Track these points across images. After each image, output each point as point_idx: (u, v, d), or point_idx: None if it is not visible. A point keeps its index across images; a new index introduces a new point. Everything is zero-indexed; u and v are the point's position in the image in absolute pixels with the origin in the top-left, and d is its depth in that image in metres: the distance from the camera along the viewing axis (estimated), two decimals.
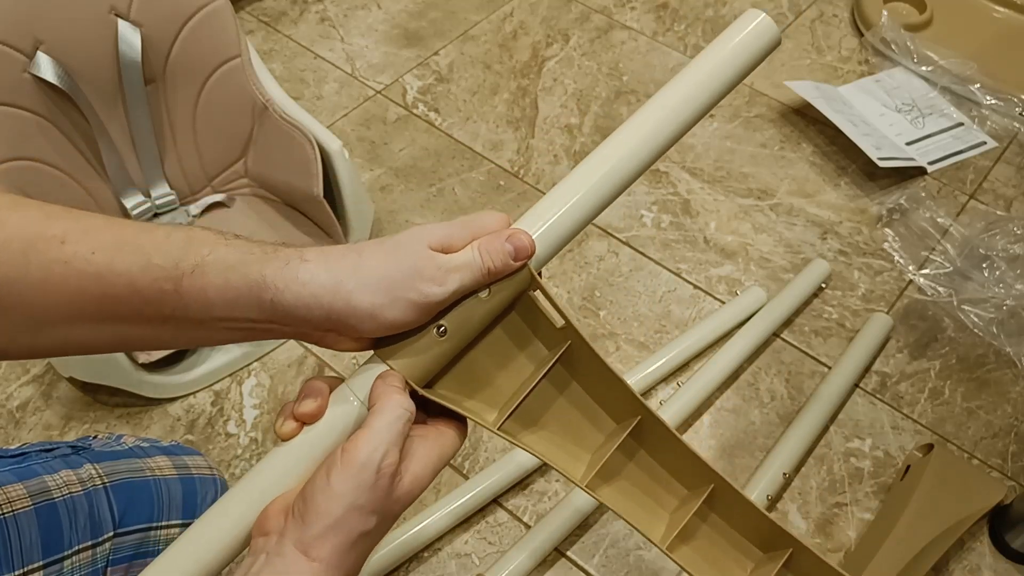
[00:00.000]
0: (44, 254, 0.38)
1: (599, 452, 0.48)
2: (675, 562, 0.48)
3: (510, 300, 0.45)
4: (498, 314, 0.45)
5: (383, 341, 0.43)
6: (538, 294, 0.45)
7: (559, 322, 0.46)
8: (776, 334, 1.03)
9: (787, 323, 1.04)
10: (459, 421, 0.45)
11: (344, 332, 0.42)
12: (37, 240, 0.38)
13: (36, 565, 0.63)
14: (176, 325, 0.41)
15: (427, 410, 0.43)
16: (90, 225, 0.39)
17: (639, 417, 0.48)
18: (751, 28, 0.49)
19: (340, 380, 0.44)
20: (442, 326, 0.43)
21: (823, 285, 1.07)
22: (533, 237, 0.45)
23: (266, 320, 0.41)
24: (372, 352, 0.44)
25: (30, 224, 0.38)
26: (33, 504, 0.66)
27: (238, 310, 0.40)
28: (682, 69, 0.49)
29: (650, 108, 0.47)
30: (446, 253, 0.43)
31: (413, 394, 0.43)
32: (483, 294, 0.43)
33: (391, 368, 0.43)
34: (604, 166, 0.46)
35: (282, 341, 1.00)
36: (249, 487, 0.42)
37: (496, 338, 0.46)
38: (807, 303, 1.06)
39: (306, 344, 1.01)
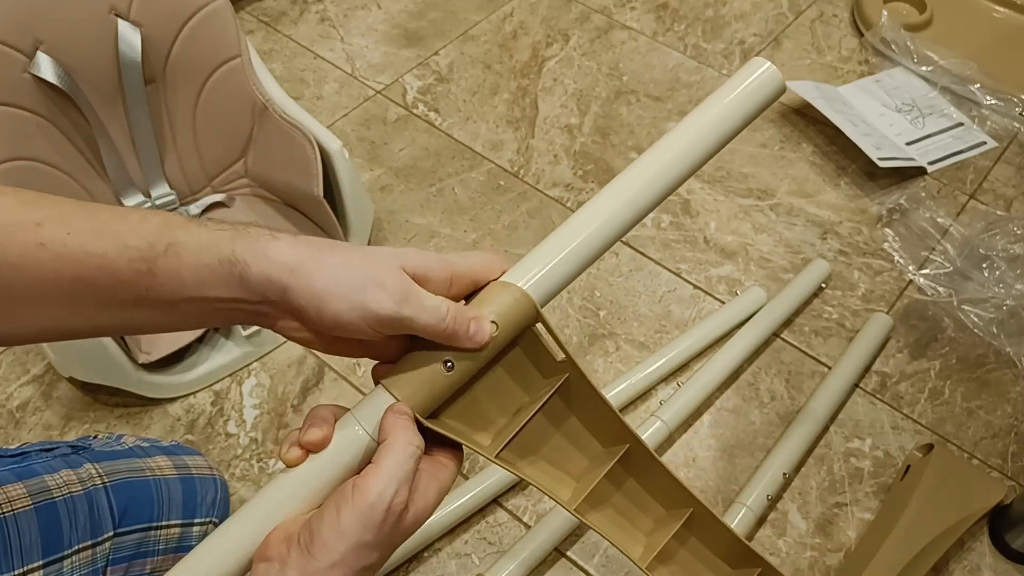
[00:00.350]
0: (20, 237, 0.38)
1: (588, 478, 0.50)
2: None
3: (515, 334, 0.46)
4: (503, 347, 0.46)
5: (386, 369, 0.44)
6: (540, 327, 0.47)
7: (560, 355, 0.47)
8: (776, 334, 1.03)
9: (787, 323, 1.04)
10: (456, 450, 0.46)
11: (298, 317, 0.42)
12: (12, 224, 0.38)
13: (36, 564, 0.63)
14: (149, 307, 0.41)
15: (425, 438, 0.44)
16: (65, 210, 0.40)
17: (627, 445, 0.50)
18: (756, 77, 0.49)
19: (345, 409, 0.44)
20: (449, 361, 0.43)
21: (823, 285, 1.07)
22: (531, 283, 0.46)
23: (232, 298, 0.41)
24: (377, 380, 0.45)
25: (5, 210, 0.39)
26: (33, 504, 0.66)
27: (208, 288, 0.41)
28: (686, 116, 0.49)
29: (652, 155, 0.48)
30: (418, 282, 0.43)
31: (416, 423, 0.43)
32: (490, 330, 0.44)
33: (397, 399, 0.43)
34: (603, 212, 0.47)
35: (282, 341, 1.00)
36: (253, 512, 0.42)
37: (499, 370, 0.47)
38: (807, 303, 1.06)
39: None
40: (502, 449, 0.46)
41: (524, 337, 0.47)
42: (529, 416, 0.47)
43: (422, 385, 0.43)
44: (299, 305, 0.41)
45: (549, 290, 0.46)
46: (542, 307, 0.46)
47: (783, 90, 0.50)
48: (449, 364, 0.43)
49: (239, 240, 0.41)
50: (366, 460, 0.43)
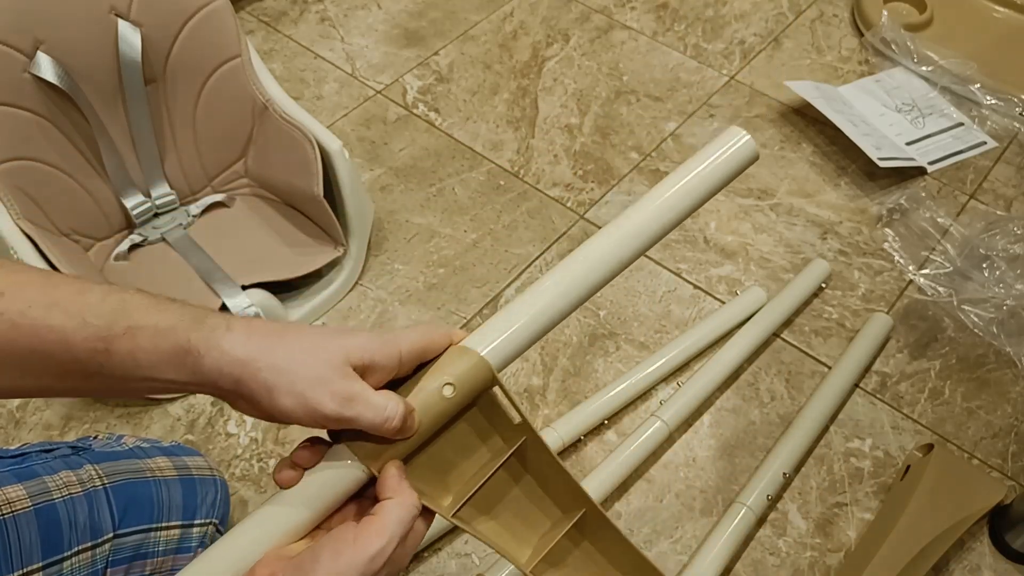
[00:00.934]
0: None
1: (545, 539, 0.51)
2: None
3: (473, 396, 0.47)
4: (461, 409, 0.47)
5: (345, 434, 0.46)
6: (497, 391, 0.48)
7: (516, 419, 0.49)
8: (776, 334, 1.03)
9: (787, 323, 1.04)
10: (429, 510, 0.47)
11: (250, 402, 0.43)
12: None
13: (36, 566, 0.63)
14: (100, 381, 0.43)
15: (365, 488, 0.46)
16: (27, 280, 0.41)
17: (584, 510, 0.51)
18: (732, 147, 0.51)
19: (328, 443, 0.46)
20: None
21: (823, 285, 1.07)
22: (489, 348, 0.47)
23: (184, 381, 0.43)
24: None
25: None
26: (33, 505, 0.66)
27: (161, 371, 0.42)
28: (660, 183, 0.51)
29: (623, 220, 0.50)
30: (366, 371, 0.44)
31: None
32: (447, 392, 0.46)
33: (353, 454, 0.45)
34: (566, 279, 0.49)
35: None
36: (242, 536, 0.43)
37: (458, 430, 0.48)
38: (807, 303, 1.06)
39: None
40: (460, 507, 0.48)
41: (483, 399, 0.48)
42: (488, 476, 0.49)
43: (379, 445, 0.45)
44: (249, 394, 0.43)
45: (507, 355, 0.48)
46: (500, 371, 0.48)
47: (756, 157, 0.52)
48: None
49: (196, 330, 0.42)
50: (354, 491, 0.45)
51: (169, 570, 0.72)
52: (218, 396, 0.45)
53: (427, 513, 0.47)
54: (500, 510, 0.51)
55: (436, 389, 0.46)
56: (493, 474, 0.49)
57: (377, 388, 0.44)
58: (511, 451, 0.49)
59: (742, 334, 1.00)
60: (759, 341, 1.00)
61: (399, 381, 0.47)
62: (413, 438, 0.45)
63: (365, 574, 0.41)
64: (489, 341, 0.48)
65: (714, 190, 0.51)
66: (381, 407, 0.43)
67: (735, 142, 0.51)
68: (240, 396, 0.43)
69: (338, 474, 0.44)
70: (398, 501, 0.43)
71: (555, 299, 0.48)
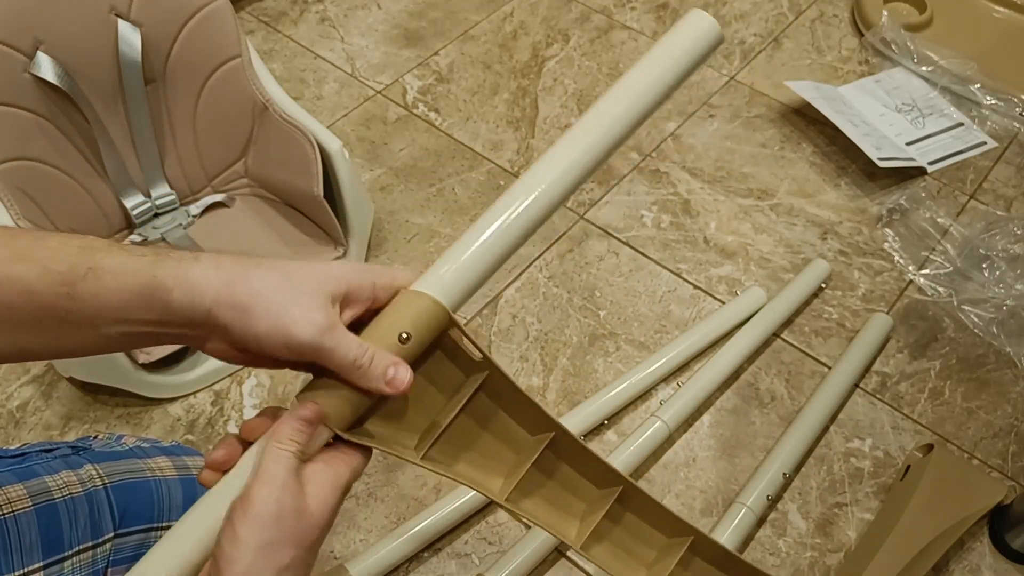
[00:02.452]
0: None
1: (517, 469, 0.51)
2: (588, 559, 0.51)
3: (432, 339, 0.46)
4: (422, 353, 0.46)
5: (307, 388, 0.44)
6: (456, 332, 0.47)
7: (477, 356, 0.48)
8: (776, 334, 1.03)
9: (787, 323, 1.04)
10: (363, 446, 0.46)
11: (224, 337, 0.43)
12: None
13: (36, 566, 0.63)
14: (71, 331, 0.42)
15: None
16: None
17: (552, 434, 0.51)
18: (694, 30, 0.48)
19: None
20: None
21: (823, 285, 1.08)
22: (441, 288, 0.46)
23: (156, 321, 0.42)
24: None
25: None
26: (33, 505, 0.66)
27: (130, 311, 0.41)
28: (624, 77, 0.48)
29: (584, 125, 0.48)
30: (345, 303, 0.43)
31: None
32: (403, 339, 0.44)
33: (313, 403, 0.43)
34: (517, 199, 0.47)
35: None
36: (164, 550, 0.42)
37: (420, 375, 0.47)
38: (807, 303, 1.06)
39: None
40: (429, 449, 0.47)
41: (442, 341, 0.47)
42: (453, 415, 0.48)
43: (339, 399, 0.43)
44: (224, 325, 0.41)
45: (462, 293, 0.46)
46: (457, 310, 0.46)
47: (721, 39, 0.49)
48: None
49: (160, 265, 0.41)
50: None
51: None
52: (191, 338, 0.43)
53: (362, 448, 0.45)
54: (471, 448, 0.50)
55: (391, 337, 0.44)
56: (459, 413, 0.48)
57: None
58: (475, 389, 0.49)
59: (742, 334, 1.00)
60: (759, 341, 1.00)
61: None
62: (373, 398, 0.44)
63: (266, 524, 0.39)
64: (441, 282, 0.46)
65: (678, 81, 0.49)
66: (357, 343, 0.42)
67: (697, 24, 0.48)
68: (213, 329, 0.42)
69: (249, 455, 0.43)
70: (268, 446, 0.41)
71: (508, 227, 0.46)
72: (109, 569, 0.68)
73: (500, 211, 0.47)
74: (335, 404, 0.43)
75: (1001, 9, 1.42)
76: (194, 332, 0.43)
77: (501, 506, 0.49)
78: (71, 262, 0.40)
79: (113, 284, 0.41)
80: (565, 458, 0.53)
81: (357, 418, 0.45)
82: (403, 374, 0.43)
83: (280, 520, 0.40)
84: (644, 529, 0.55)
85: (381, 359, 0.43)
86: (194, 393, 0.96)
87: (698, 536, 0.54)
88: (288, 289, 0.42)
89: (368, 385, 0.43)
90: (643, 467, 0.91)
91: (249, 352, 0.44)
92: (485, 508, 0.88)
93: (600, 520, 0.52)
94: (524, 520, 0.51)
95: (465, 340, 0.48)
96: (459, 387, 0.49)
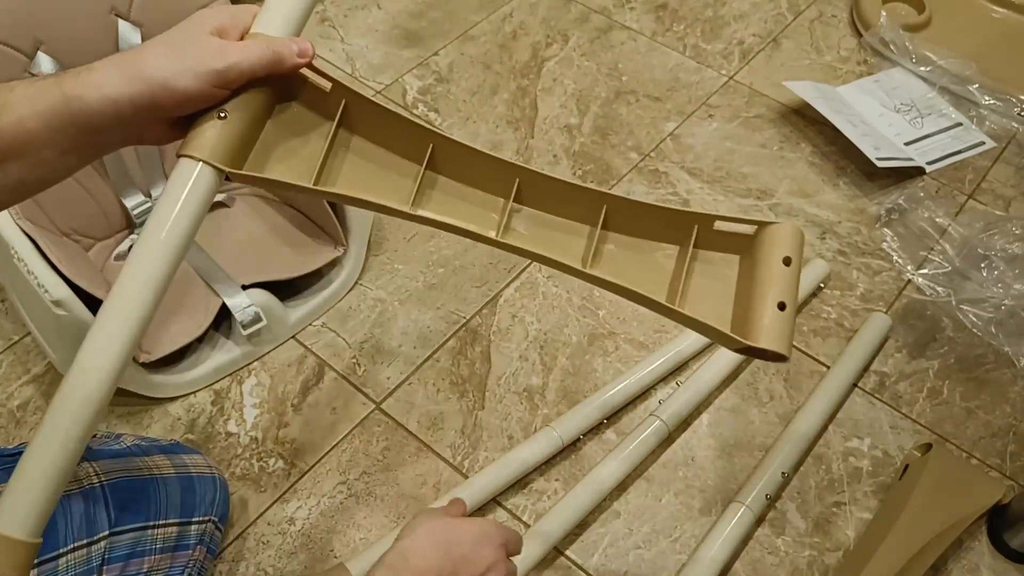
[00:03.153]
0: None
1: (408, 185, 0.56)
2: (517, 252, 0.56)
3: (283, 81, 0.53)
4: (277, 95, 0.54)
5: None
6: (306, 71, 0.54)
7: (328, 86, 0.55)
8: None
9: None
10: None
11: (150, 115, 0.48)
12: None
13: None
14: (11, 166, 0.47)
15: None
16: None
17: (431, 144, 0.55)
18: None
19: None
20: (223, 112, 0.50)
21: (821, 285, 1.08)
22: (280, 31, 0.52)
23: (87, 132, 0.47)
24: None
25: None
26: None
27: (57, 132, 0.47)
28: None
29: None
30: (221, 34, 0.50)
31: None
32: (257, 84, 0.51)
33: (193, 158, 0.49)
34: None
35: (283, 341, 1.00)
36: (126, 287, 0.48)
37: (282, 117, 0.54)
38: (806, 303, 1.06)
39: (306, 344, 1.01)
40: (317, 179, 0.53)
41: (296, 83, 0.54)
42: (326, 147, 0.54)
43: (209, 139, 0.50)
44: (150, 104, 0.47)
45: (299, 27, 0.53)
46: (298, 32, 0.53)
47: None
48: (223, 115, 0.50)
49: (64, 84, 0.46)
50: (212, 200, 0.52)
51: (167, 568, 0.72)
52: (126, 139, 0.51)
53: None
54: (359, 172, 0.56)
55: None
56: (331, 145, 0.54)
57: None
58: (337, 119, 0.55)
59: None
60: None
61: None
62: (232, 126, 0.50)
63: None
64: (276, 23, 0.52)
65: None
66: (254, 44, 0.49)
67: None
68: (141, 111, 0.47)
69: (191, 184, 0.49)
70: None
71: None
72: (104, 566, 0.68)
73: None
74: (206, 147, 0.49)
75: (1000, 9, 1.43)
76: (123, 129, 0.49)
77: (410, 216, 0.54)
78: None
79: (28, 112, 0.46)
80: (448, 167, 0.57)
81: (234, 157, 0.51)
82: (304, 43, 0.52)
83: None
84: (556, 208, 0.58)
85: (280, 44, 0.51)
86: (194, 393, 0.96)
87: (609, 199, 0.57)
88: (181, 44, 0.48)
89: (285, 66, 0.51)
90: (643, 466, 0.91)
91: (180, 118, 0.50)
92: (485, 508, 0.88)
93: (509, 210, 0.56)
94: (437, 218, 0.55)
95: (314, 75, 0.55)
96: (324, 123, 0.56)
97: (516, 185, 0.57)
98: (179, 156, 0.50)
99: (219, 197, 1.06)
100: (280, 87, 0.53)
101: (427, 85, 1.31)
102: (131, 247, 1.00)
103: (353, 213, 1.01)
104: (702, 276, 0.56)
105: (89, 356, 0.47)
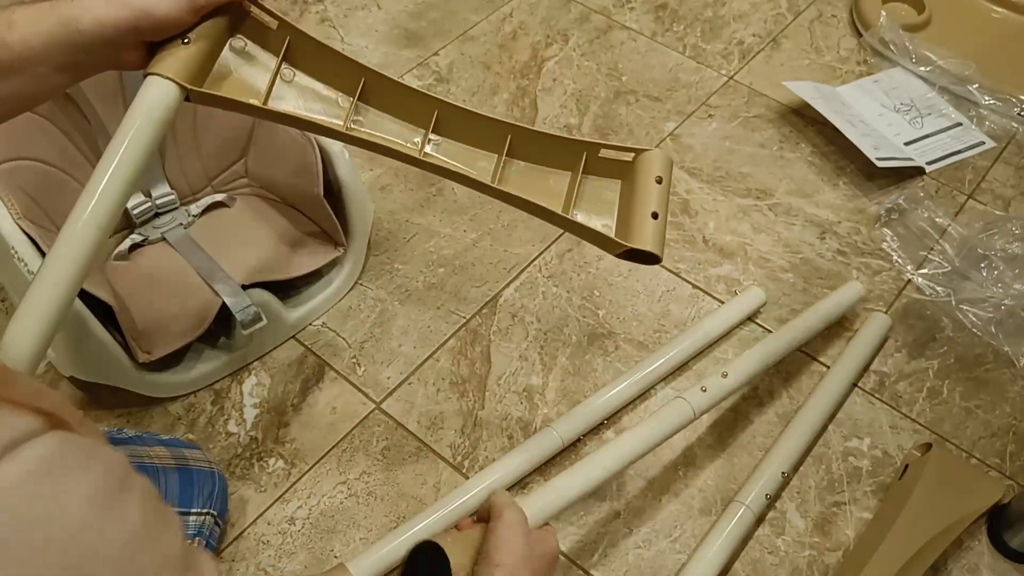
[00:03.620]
0: None
1: (345, 111, 0.66)
2: (431, 167, 0.66)
3: (238, 16, 0.63)
4: (233, 27, 0.63)
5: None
6: (256, 10, 0.63)
7: (275, 24, 0.63)
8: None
9: (786, 323, 1.04)
10: None
11: (131, 38, 0.57)
12: None
13: None
14: (19, 78, 0.55)
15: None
16: None
17: (363, 78, 0.66)
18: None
19: None
20: (187, 38, 0.59)
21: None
22: None
23: (78, 51, 0.55)
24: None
25: None
26: None
27: (54, 49, 0.55)
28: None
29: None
30: None
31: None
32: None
33: (159, 75, 0.58)
34: None
35: (283, 340, 1.00)
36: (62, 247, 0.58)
37: (236, 47, 0.63)
38: (833, 323, 1.03)
39: (306, 343, 1.01)
40: (266, 100, 0.63)
41: (249, 22, 0.63)
42: (273, 74, 0.63)
43: (173, 59, 0.58)
44: (134, 28, 0.56)
45: None
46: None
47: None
48: (186, 40, 0.59)
49: (59, 8, 0.54)
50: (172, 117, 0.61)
51: None
52: (107, 63, 0.58)
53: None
54: (299, 97, 0.65)
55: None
56: (278, 72, 0.64)
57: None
58: (282, 52, 0.64)
59: (763, 348, 0.94)
60: (782, 355, 0.97)
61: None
62: (193, 48, 0.59)
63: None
64: None
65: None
66: None
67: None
68: (124, 32, 0.55)
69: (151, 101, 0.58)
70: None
71: None
72: None
73: None
74: (169, 63, 0.58)
75: (1000, 9, 1.43)
76: (107, 50, 0.57)
77: (343, 135, 0.63)
78: None
79: (31, 30, 0.54)
80: (379, 100, 0.67)
81: (192, 78, 0.59)
82: None
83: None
84: (469, 137, 0.68)
85: None
86: (194, 392, 0.96)
87: (513, 129, 0.68)
88: None
89: None
90: (642, 466, 0.91)
91: (152, 45, 0.59)
92: None
93: (428, 136, 0.66)
94: (368, 138, 0.66)
95: (261, 13, 0.62)
96: (272, 53, 0.64)
97: (435, 116, 0.66)
98: (146, 75, 0.58)
99: (219, 197, 1.06)
100: (236, 21, 0.63)
101: (427, 85, 1.31)
102: (131, 246, 1.01)
103: (353, 213, 1.01)
104: (591, 195, 0.67)
105: (79, 212, 0.57)
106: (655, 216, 0.63)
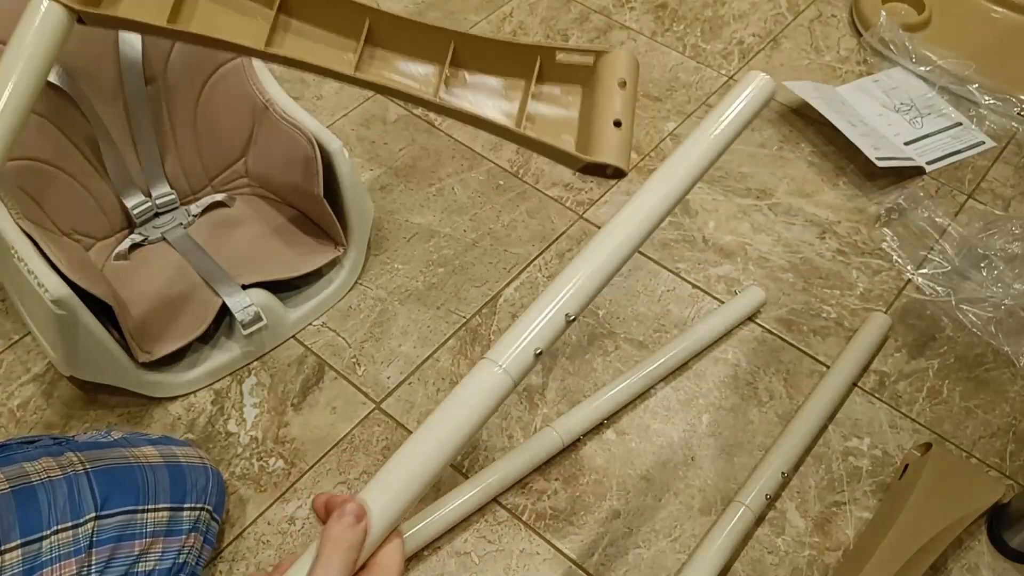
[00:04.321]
0: None
1: (266, 27, 0.58)
2: (367, 84, 0.59)
3: None
4: None
5: None
6: None
7: None
8: (775, 333, 1.03)
9: (787, 323, 1.04)
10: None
11: None
12: None
13: (14, 544, 0.65)
14: None
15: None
16: None
17: None
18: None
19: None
20: None
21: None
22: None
23: None
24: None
25: None
26: (11, 487, 0.67)
27: None
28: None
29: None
30: None
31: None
32: None
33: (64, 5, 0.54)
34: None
35: (283, 340, 1.00)
36: None
37: None
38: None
39: (306, 343, 1.01)
40: (170, 18, 0.57)
41: None
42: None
43: None
44: None
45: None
46: None
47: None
48: None
49: None
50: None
51: (159, 552, 0.72)
52: None
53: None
54: (212, 14, 0.59)
55: None
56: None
57: None
58: None
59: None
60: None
61: None
62: None
63: None
64: None
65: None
66: None
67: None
68: None
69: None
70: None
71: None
72: (93, 549, 0.69)
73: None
74: None
75: (1000, 9, 1.43)
76: None
77: (264, 54, 0.57)
78: None
79: None
80: (309, 5, 0.59)
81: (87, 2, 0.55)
82: None
83: None
84: (407, 48, 0.61)
85: None
86: (194, 392, 0.96)
87: (457, 37, 0.61)
88: None
89: None
90: (642, 466, 0.91)
91: None
92: (485, 508, 0.88)
93: (361, 50, 0.59)
94: (291, 55, 0.59)
95: None
96: None
97: (367, 26, 0.59)
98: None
99: (219, 197, 1.06)
100: None
101: None
102: (131, 246, 1.01)
103: (353, 213, 1.01)
104: (548, 106, 0.60)
105: None
106: (617, 124, 0.57)
